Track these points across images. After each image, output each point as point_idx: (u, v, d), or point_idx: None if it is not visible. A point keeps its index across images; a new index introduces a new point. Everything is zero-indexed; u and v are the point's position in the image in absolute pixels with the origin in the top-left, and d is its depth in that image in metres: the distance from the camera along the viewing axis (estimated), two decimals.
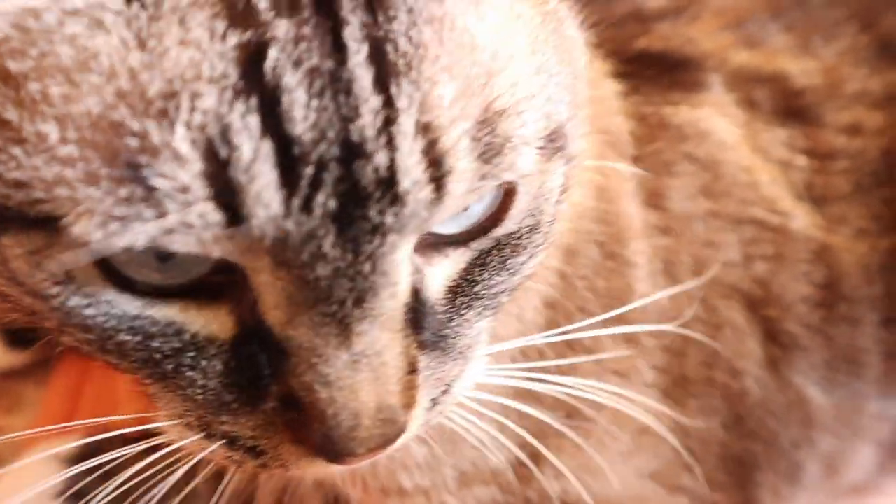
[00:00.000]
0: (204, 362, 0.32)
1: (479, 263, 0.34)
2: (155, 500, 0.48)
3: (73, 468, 0.54)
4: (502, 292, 0.36)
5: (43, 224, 0.28)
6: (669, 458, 0.53)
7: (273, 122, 0.26)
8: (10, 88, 0.28)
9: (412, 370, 0.33)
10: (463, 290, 0.34)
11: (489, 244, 0.34)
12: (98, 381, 0.65)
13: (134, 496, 0.52)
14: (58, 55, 0.27)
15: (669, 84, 0.55)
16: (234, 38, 0.26)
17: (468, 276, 0.34)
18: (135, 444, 0.50)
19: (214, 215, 0.27)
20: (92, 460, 0.49)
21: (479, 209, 0.33)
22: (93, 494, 0.53)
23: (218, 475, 0.57)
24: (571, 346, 0.48)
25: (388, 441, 0.33)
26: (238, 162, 0.26)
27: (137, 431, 0.55)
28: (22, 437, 0.61)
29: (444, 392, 0.36)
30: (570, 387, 0.44)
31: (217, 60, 0.26)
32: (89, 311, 0.30)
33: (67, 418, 0.63)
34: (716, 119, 0.54)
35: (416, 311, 0.33)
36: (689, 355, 0.53)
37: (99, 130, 0.26)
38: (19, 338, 0.66)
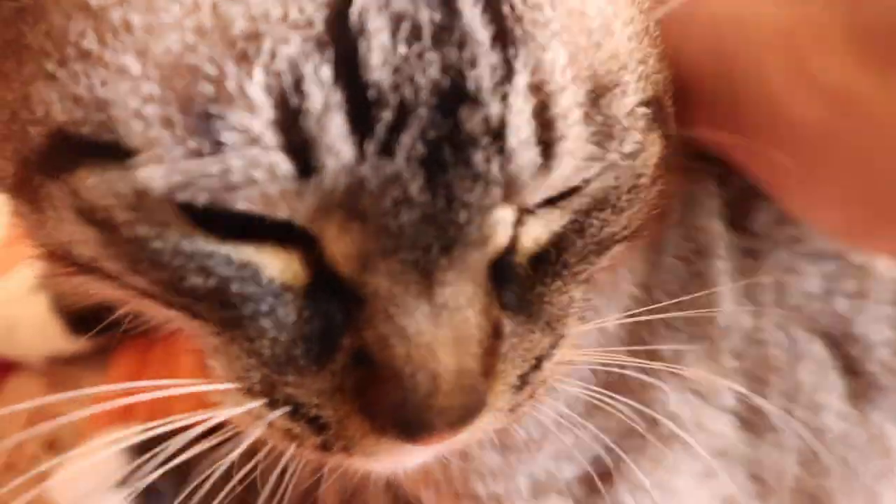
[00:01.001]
0: (280, 310, 0.30)
1: (575, 227, 0.32)
2: (215, 486, 0.48)
3: (135, 461, 0.55)
4: (591, 259, 0.34)
5: (115, 153, 0.27)
6: (744, 485, 0.52)
7: (348, 71, 0.25)
8: (89, 18, 0.27)
9: (497, 334, 0.30)
10: (552, 256, 0.32)
11: (587, 204, 0.32)
12: (157, 368, 0.67)
13: (195, 484, 0.53)
14: None
15: None
16: None
17: (562, 241, 0.32)
18: (193, 430, 0.51)
19: (284, 166, 0.26)
20: (152, 452, 0.49)
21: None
22: (154, 484, 0.55)
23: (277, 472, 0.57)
24: (653, 359, 0.47)
25: (468, 414, 0.29)
26: (308, 112, 0.25)
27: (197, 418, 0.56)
28: (82, 423, 0.64)
29: (535, 368, 0.33)
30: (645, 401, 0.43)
31: (306, 3, 0.25)
32: (158, 244, 0.29)
33: (126, 405, 0.65)
34: None
35: (502, 271, 0.31)
36: (769, 384, 0.51)
37: (177, 72, 0.26)
38: (82, 323, 0.66)
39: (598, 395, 0.40)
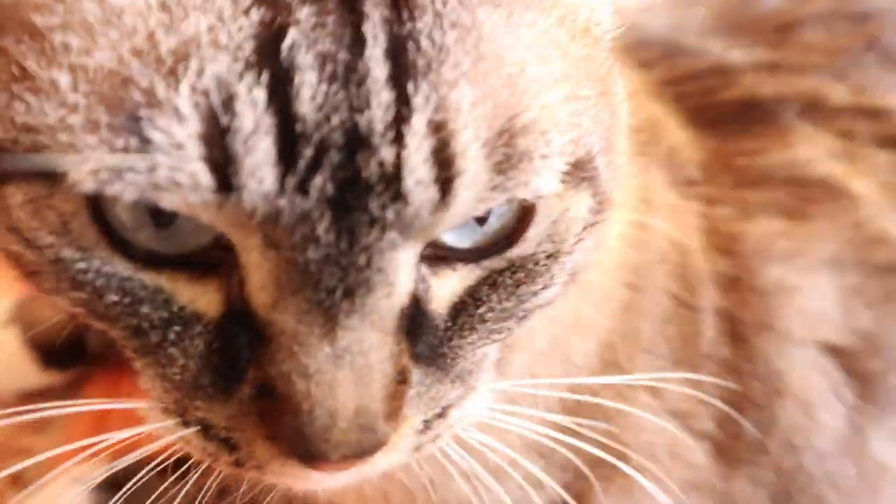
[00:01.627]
0: (187, 340, 0.31)
1: (490, 283, 0.33)
2: None
3: (108, 499, 0.55)
4: (510, 318, 0.35)
5: (44, 174, 0.29)
6: None
7: (280, 100, 0.27)
8: (34, 41, 0.29)
9: (402, 380, 0.32)
10: (468, 310, 0.33)
11: (502, 265, 0.33)
12: (126, 403, 0.66)
13: None
14: (84, 12, 0.28)
15: (752, 127, 0.56)
16: (256, 15, 0.27)
17: (476, 296, 0.33)
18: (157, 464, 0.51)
19: (205, 177, 0.27)
20: (124, 489, 0.50)
21: (493, 226, 0.32)
22: None
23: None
24: (633, 387, 0.48)
25: (364, 451, 0.31)
26: (238, 131, 0.27)
27: (165, 452, 0.56)
28: (49, 457, 0.63)
29: (440, 416, 0.34)
30: (614, 429, 0.45)
31: (235, 32, 0.27)
32: (81, 265, 0.30)
33: (94, 442, 0.64)
34: (809, 150, 0.55)
35: (415, 321, 0.32)
36: (747, 414, 0.52)
37: (108, 83, 0.27)
38: (54, 356, 0.67)
39: (563, 426, 0.42)
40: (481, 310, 0.33)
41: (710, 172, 0.54)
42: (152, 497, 0.55)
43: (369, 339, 0.30)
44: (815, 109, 0.56)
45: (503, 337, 0.35)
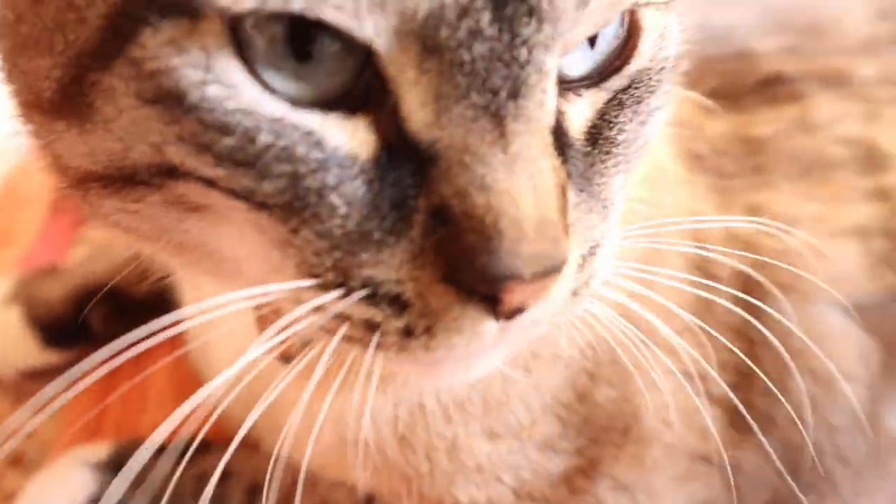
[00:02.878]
0: (346, 184, 0.30)
1: (616, 104, 0.34)
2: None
3: (111, 480, 0.55)
4: (637, 141, 0.35)
5: (185, 9, 0.28)
6: (720, 490, 0.54)
7: None
8: None
9: (565, 198, 0.31)
10: (602, 133, 0.34)
11: (623, 83, 0.35)
12: (128, 377, 0.67)
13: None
14: None
15: (773, 100, 0.57)
16: None
17: (606, 118, 0.34)
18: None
19: None
20: (126, 471, 0.49)
21: (604, 48, 0.33)
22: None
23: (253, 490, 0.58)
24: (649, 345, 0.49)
25: (553, 267, 0.30)
26: None
27: (167, 436, 0.57)
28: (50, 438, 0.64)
29: (591, 252, 0.34)
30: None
31: None
32: (230, 105, 0.29)
33: (95, 420, 0.66)
34: (831, 113, 0.56)
35: (561, 141, 0.32)
36: (754, 382, 0.51)
37: None
38: (55, 336, 0.68)
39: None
40: (613, 131, 0.34)
41: (725, 145, 0.55)
42: (157, 480, 0.56)
43: (536, 145, 0.30)
44: (839, 82, 0.57)
45: (632, 165, 0.36)
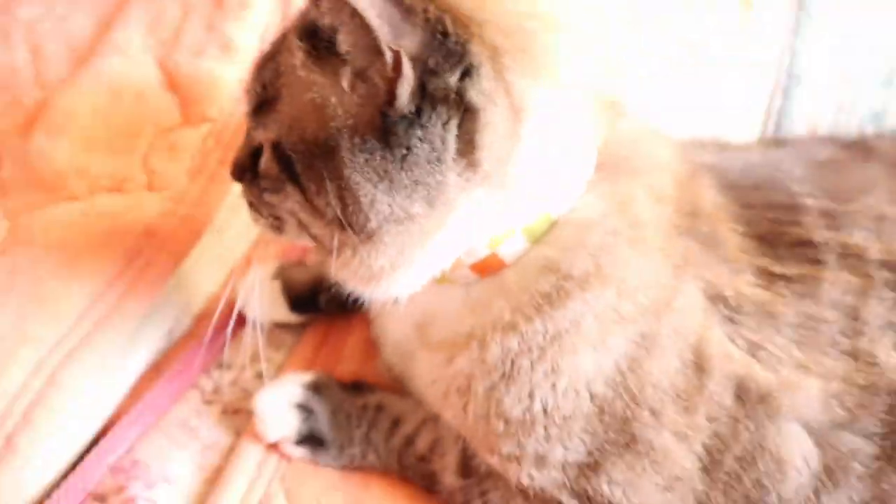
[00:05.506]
0: None
1: None
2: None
3: (311, 395, 0.78)
4: None
5: None
6: None
7: None
8: None
9: None
10: None
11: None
12: (333, 342, 0.86)
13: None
14: None
15: (800, 260, 0.66)
16: None
17: None
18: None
19: None
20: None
21: None
22: (316, 412, 0.78)
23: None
24: (637, 403, 0.61)
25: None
26: None
27: (349, 379, 0.80)
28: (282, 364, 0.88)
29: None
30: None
31: None
32: None
33: (309, 360, 0.85)
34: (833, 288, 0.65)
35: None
36: (732, 448, 0.62)
37: None
38: (297, 305, 0.85)
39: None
40: None
41: (749, 291, 0.64)
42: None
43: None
44: (852, 258, 0.66)
45: None
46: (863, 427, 0.62)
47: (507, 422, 0.63)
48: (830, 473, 0.62)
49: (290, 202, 0.60)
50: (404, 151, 0.55)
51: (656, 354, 0.61)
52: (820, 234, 0.67)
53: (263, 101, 0.60)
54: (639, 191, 0.64)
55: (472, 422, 0.64)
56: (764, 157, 0.81)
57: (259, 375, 0.80)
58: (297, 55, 0.56)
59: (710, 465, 0.63)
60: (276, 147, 0.59)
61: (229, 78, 1.01)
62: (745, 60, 1.03)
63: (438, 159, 0.55)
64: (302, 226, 0.62)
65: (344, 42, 0.53)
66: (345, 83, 0.55)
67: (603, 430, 0.62)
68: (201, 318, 0.86)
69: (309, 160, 0.57)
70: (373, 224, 0.56)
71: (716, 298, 0.64)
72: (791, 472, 0.62)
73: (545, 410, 0.62)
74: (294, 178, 0.58)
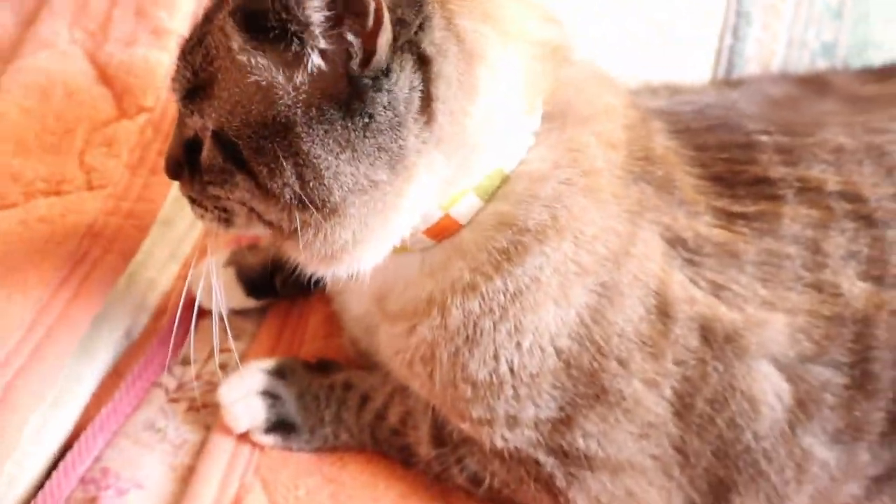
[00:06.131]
0: None
1: None
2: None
3: (275, 382, 0.77)
4: None
5: None
6: (668, 450, 0.64)
7: None
8: None
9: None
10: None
11: None
12: (293, 325, 0.86)
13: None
14: None
15: (757, 197, 0.66)
16: None
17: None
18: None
19: None
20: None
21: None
22: (283, 397, 0.78)
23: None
24: (602, 352, 0.61)
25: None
26: None
27: (314, 359, 0.80)
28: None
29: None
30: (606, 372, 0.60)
31: None
32: None
33: (272, 345, 0.85)
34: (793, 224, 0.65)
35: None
36: (702, 391, 0.63)
37: None
38: (252, 290, 0.85)
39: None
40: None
41: (707, 232, 0.64)
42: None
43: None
44: (810, 192, 0.66)
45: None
46: (831, 358, 0.63)
47: (474, 385, 0.63)
48: (803, 406, 0.63)
49: (238, 191, 0.58)
50: (367, 119, 0.54)
51: (619, 303, 0.61)
52: (776, 170, 0.67)
53: (195, 87, 0.57)
54: (589, 138, 0.64)
55: (440, 389, 0.64)
56: (717, 99, 0.80)
57: (222, 366, 0.80)
58: (235, 39, 0.55)
59: (682, 409, 0.63)
60: (218, 135, 0.57)
61: (164, 64, 0.99)
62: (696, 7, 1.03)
63: (400, 123, 0.55)
64: (253, 214, 0.60)
65: (309, 8, 0.51)
66: (313, 54, 0.54)
67: (572, 384, 0.62)
68: (158, 315, 0.85)
69: (257, 143, 0.55)
70: (336, 197, 0.55)
71: (674, 242, 0.64)
72: (764, 409, 0.63)
73: (512, 370, 0.61)
74: (241, 165, 0.56)
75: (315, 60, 0.53)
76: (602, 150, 0.64)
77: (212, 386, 0.79)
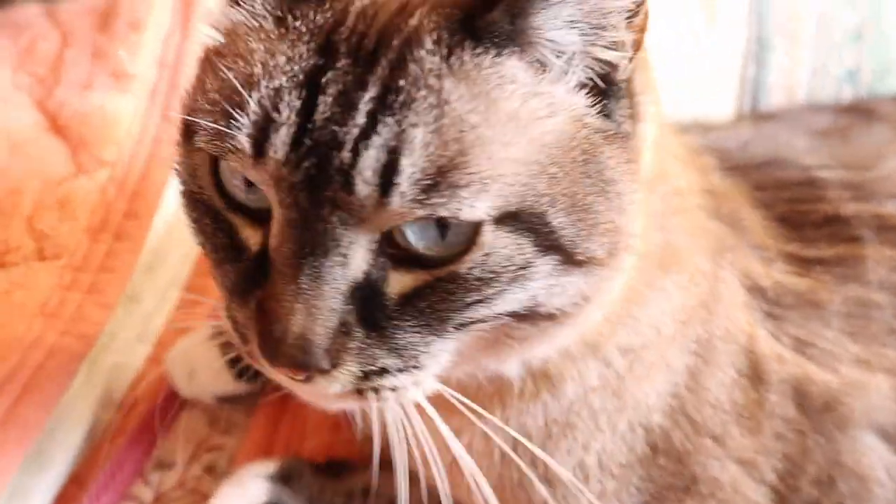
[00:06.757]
0: (236, 261, 0.46)
1: (431, 287, 0.44)
2: None
3: (279, 490, 0.69)
4: (446, 320, 0.45)
5: (191, 136, 0.46)
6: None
7: (305, 109, 0.42)
8: (217, 56, 0.46)
9: (346, 332, 0.44)
10: (412, 301, 0.45)
11: (443, 275, 0.44)
12: (293, 415, 0.78)
13: None
14: (237, 46, 0.46)
15: (832, 238, 0.63)
16: (312, 60, 0.44)
17: (420, 293, 0.44)
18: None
19: (248, 147, 0.43)
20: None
21: (453, 241, 0.43)
22: None
23: None
24: (700, 433, 0.56)
25: (298, 365, 0.44)
26: (275, 122, 0.42)
27: (322, 459, 0.70)
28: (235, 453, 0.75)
29: (378, 374, 0.46)
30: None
31: (298, 64, 0.44)
32: (198, 197, 0.48)
33: (268, 441, 0.76)
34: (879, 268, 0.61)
35: (367, 294, 0.44)
36: (806, 470, 0.58)
37: (229, 90, 0.44)
38: (242, 371, 0.76)
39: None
40: (422, 304, 0.45)
41: (786, 280, 0.60)
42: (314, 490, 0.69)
43: (322, 290, 0.43)
44: (889, 231, 0.63)
45: (441, 334, 0.46)
46: None
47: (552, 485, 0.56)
48: None
49: (531, 285, 0.46)
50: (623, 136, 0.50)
51: (714, 364, 0.57)
52: (847, 207, 0.64)
53: (440, 172, 0.43)
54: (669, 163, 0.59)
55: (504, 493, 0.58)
56: (757, 133, 0.77)
57: (209, 470, 0.73)
58: (508, 85, 0.45)
59: (787, 491, 0.57)
60: (515, 216, 0.45)
61: (126, 112, 0.92)
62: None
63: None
64: (505, 324, 0.48)
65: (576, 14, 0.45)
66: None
67: (659, 474, 0.57)
68: (128, 409, 0.77)
69: (570, 199, 0.45)
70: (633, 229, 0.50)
71: (754, 290, 0.60)
72: (875, 489, 0.58)
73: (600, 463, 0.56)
74: (544, 245, 0.46)
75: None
76: (681, 168, 0.59)
77: (199, 496, 0.71)
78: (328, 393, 0.47)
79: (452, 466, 0.55)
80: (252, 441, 0.76)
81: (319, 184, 0.42)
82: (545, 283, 0.45)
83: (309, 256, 0.43)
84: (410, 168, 0.41)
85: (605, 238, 0.46)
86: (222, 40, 0.48)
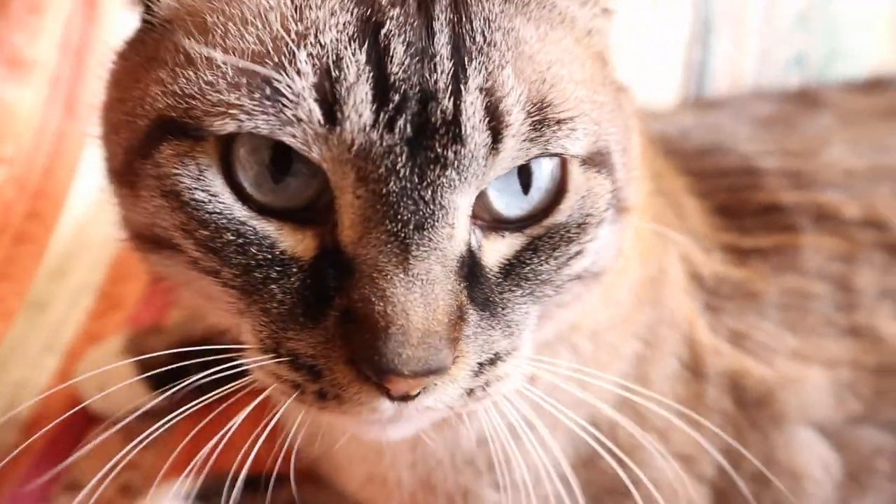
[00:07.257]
0: (284, 278, 0.39)
1: (532, 248, 0.41)
2: None
3: None
4: (548, 282, 0.42)
5: (194, 132, 0.39)
6: None
7: (375, 64, 0.37)
8: (202, 33, 0.40)
9: (461, 316, 0.38)
10: (514, 269, 0.41)
11: (541, 232, 0.41)
12: (216, 428, 0.74)
13: None
14: (242, 11, 0.40)
15: (770, 228, 0.63)
16: (357, 11, 0.38)
17: (520, 258, 0.41)
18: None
19: (317, 112, 0.37)
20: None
21: (535, 198, 0.41)
22: None
23: None
24: (643, 428, 0.54)
25: (430, 369, 0.37)
26: (343, 81, 0.37)
27: (251, 473, 0.65)
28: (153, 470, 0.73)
29: (492, 362, 0.40)
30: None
31: (342, 16, 0.38)
32: (209, 208, 0.39)
33: (188, 457, 0.69)
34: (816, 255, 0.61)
35: (472, 269, 0.40)
36: (742, 467, 0.57)
37: (251, 58, 0.38)
38: (161, 382, 0.70)
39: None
40: (525, 269, 0.41)
41: (723, 270, 0.60)
42: None
43: (435, 271, 0.37)
44: (828, 220, 0.63)
45: (543, 301, 0.42)
46: (883, 417, 0.58)
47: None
48: (855, 478, 0.58)
49: (605, 228, 0.45)
50: None
51: (658, 352, 0.56)
52: (787, 195, 0.64)
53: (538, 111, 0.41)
54: None
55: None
56: (700, 121, 0.77)
57: (124, 490, 0.70)
58: (565, 22, 0.44)
59: (725, 487, 0.57)
60: (595, 154, 0.44)
61: (25, 103, 0.87)
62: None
63: None
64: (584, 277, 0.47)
65: None
66: None
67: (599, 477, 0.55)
68: (32, 426, 0.74)
69: (620, 140, 0.46)
70: None
71: (694, 278, 0.59)
72: (810, 487, 0.58)
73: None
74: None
75: None
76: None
77: None
78: (440, 405, 0.40)
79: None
80: (170, 457, 0.70)
81: (417, 144, 0.37)
82: (608, 230, 0.44)
83: (414, 234, 0.37)
84: (515, 107, 0.39)
85: (635, 186, 0.46)
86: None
